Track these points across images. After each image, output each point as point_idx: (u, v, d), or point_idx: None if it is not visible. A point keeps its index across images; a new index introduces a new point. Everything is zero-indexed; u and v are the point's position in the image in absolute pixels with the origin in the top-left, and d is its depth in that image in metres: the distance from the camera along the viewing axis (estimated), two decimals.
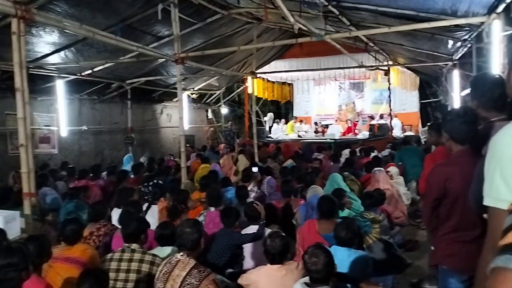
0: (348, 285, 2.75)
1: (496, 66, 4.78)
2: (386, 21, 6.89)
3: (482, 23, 5.30)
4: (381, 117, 14.71)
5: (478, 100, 2.44)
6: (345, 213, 4.81)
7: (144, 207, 5.11)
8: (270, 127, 16.36)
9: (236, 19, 10.01)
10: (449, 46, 7.72)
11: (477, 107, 2.45)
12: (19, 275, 2.29)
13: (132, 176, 7.79)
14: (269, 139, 14.78)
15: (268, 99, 17.28)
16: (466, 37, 6.64)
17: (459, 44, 7.39)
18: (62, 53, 8.45)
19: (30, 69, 8.34)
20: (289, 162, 9.01)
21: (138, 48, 6.47)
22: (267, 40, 11.93)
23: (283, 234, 3.15)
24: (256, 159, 9.85)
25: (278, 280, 2.84)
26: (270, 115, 17.20)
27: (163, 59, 9.75)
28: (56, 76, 9.55)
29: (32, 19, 4.18)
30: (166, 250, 3.65)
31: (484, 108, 2.41)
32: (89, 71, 9.86)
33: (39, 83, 9.45)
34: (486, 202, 1.29)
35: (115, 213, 5.02)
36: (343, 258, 3.08)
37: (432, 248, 2.68)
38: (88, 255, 3.47)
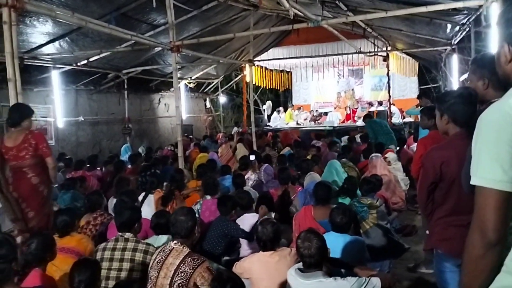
0: (342, 270, 2.73)
1: (494, 50, 4.71)
2: (383, 5, 6.80)
3: (480, 6, 5.21)
4: (380, 103, 14.63)
5: (488, 78, 2.28)
6: (346, 200, 4.79)
7: (141, 197, 5.10)
8: (269, 116, 16.24)
9: (232, 6, 9.85)
10: (448, 30, 7.64)
11: (486, 87, 2.30)
12: (9, 267, 2.29)
13: (129, 166, 7.78)
14: (268, 127, 14.70)
15: (267, 88, 17.14)
16: (465, 21, 6.55)
17: (457, 28, 7.30)
18: (56, 43, 8.33)
19: (25, 60, 8.30)
20: (286, 150, 8.97)
21: (133, 36, 6.37)
22: (264, 27, 11.80)
23: (274, 220, 3.13)
24: (254, 148, 9.82)
25: (271, 267, 2.82)
26: (269, 103, 17.05)
27: (160, 48, 9.63)
28: (51, 66, 9.44)
29: (23, 8, 4.11)
30: (162, 239, 3.64)
31: (494, 87, 2.27)
32: (85, 61, 9.75)
33: (34, 74, 9.37)
34: (473, 181, 1.26)
35: (112, 203, 5.02)
36: (337, 243, 3.07)
37: (427, 232, 2.65)
38: (83, 244, 3.48)
